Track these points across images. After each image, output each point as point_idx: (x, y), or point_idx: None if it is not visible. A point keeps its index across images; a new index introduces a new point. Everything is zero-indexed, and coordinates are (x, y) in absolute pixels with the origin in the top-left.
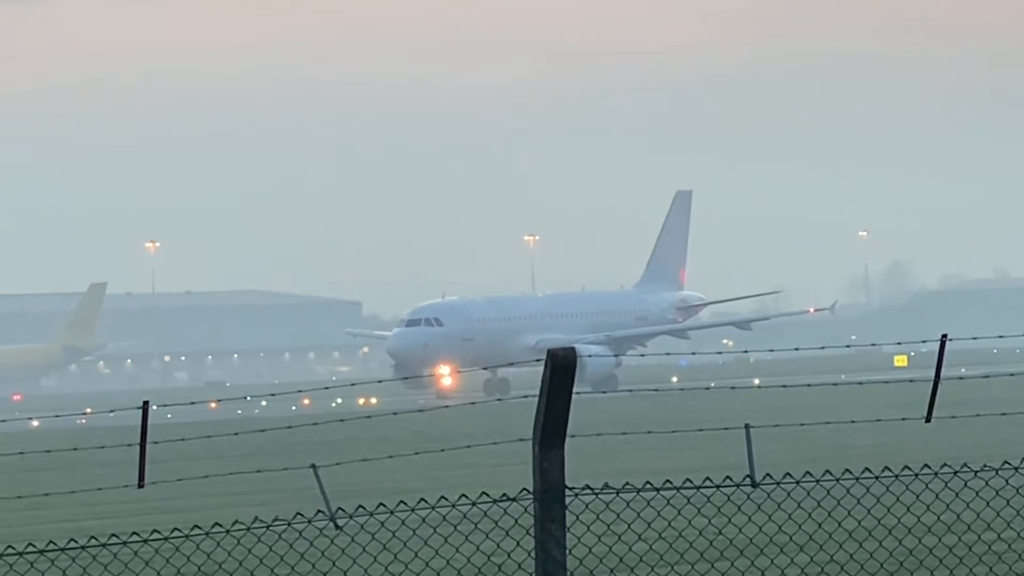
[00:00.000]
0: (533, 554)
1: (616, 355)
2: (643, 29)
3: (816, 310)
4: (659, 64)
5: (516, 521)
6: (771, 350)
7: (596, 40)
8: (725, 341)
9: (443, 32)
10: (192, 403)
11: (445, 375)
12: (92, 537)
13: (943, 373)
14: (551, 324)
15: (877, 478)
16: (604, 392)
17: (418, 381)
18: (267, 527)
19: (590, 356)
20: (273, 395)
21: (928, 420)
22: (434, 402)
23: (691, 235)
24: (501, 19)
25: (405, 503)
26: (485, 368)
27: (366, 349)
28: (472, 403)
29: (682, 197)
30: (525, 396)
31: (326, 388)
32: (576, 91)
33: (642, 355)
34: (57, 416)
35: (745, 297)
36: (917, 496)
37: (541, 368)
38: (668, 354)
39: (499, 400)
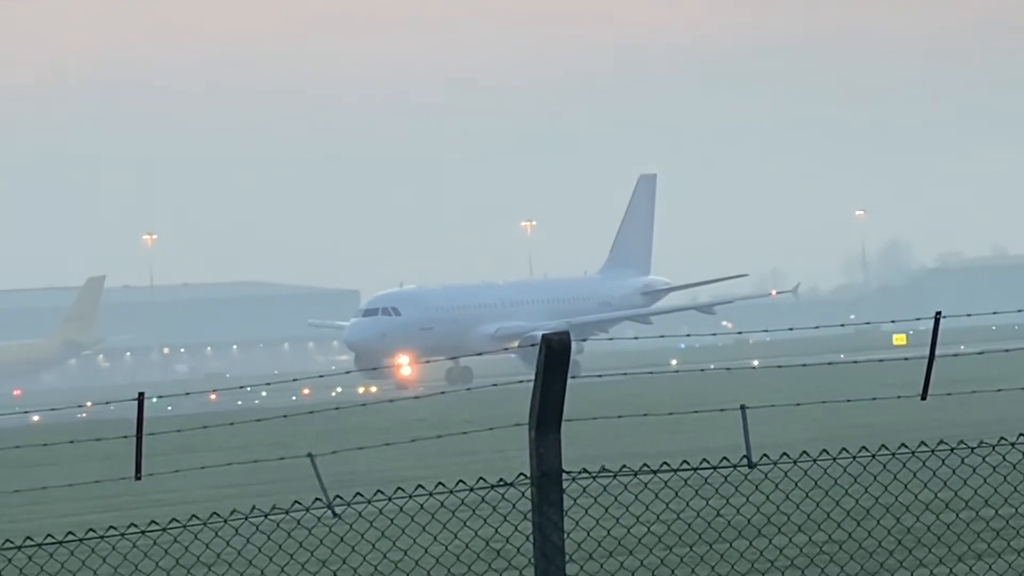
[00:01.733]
0: (531, 539)
1: (576, 341)
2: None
3: (778, 292)
4: (648, 45)
5: (514, 506)
6: (766, 331)
7: (617, 23)
8: (725, 323)
9: (428, 21)
10: (188, 394)
11: (405, 365)
12: (90, 530)
13: (939, 351)
14: (512, 312)
15: (874, 456)
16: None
17: (378, 372)
18: (265, 516)
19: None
20: (269, 384)
21: (924, 398)
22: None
23: (686, 219)
24: (479, 5)
25: (403, 490)
26: (452, 359)
27: None
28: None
29: (646, 181)
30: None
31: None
32: (580, 75)
33: (636, 338)
34: (55, 410)
35: (711, 281)
36: (914, 474)
37: (502, 356)
38: (663, 336)
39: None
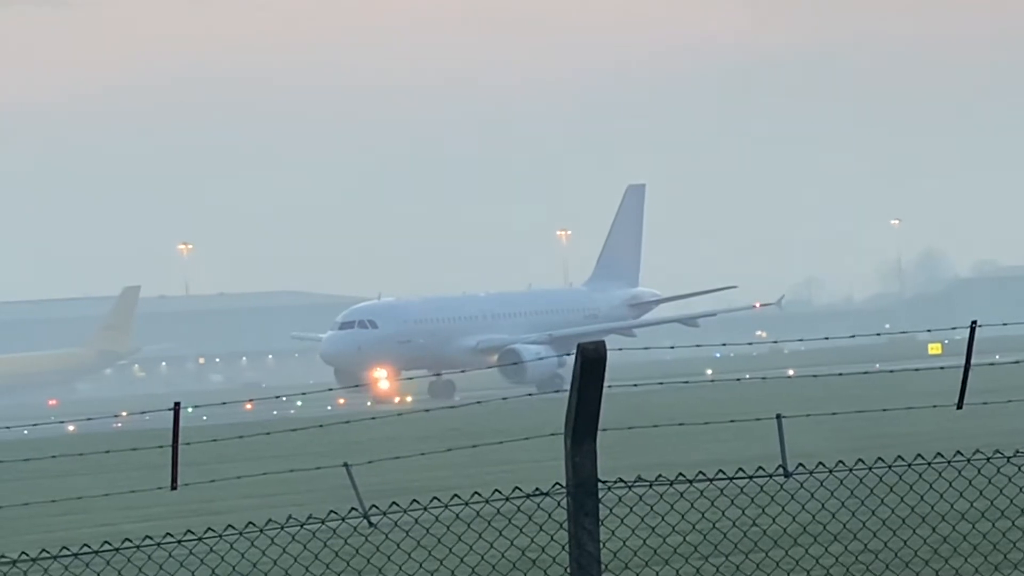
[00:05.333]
0: (567, 548)
1: (560, 355)
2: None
3: (762, 305)
4: (688, 49)
5: (549, 516)
6: (801, 340)
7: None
8: (759, 332)
9: (445, 29)
10: (224, 404)
11: (382, 379)
12: (126, 539)
13: (975, 360)
14: (493, 324)
15: (910, 466)
16: (553, 391)
17: (357, 386)
18: (301, 526)
19: (540, 357)
20: (304, 394)
21: (960, 407)
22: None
23: (722, 228)
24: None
25: (438, 499)
26: (435, 374)
27: None
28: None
29: (634, 191)
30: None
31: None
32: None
33: (672, 347)
34: (91, 420)
35: (701, 293)
36: (950, 483)
37: (485, 371)
38: (698, 346)
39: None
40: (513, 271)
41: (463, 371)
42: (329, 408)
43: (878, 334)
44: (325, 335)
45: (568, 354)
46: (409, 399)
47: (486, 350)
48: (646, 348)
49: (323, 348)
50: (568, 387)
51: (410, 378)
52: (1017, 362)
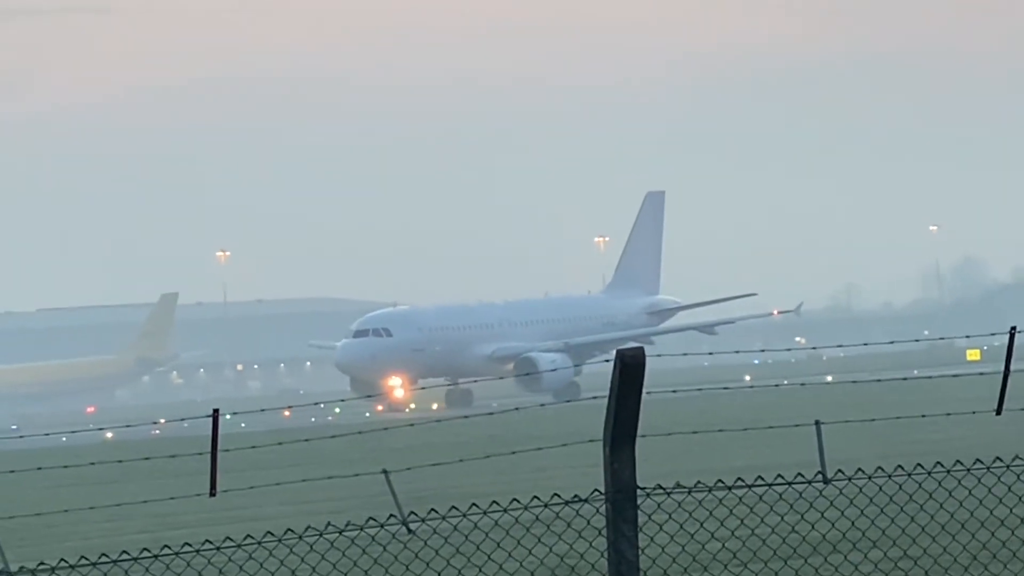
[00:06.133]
0: (606, 555)
1: (577, 363)
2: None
3: (779, 312)
4: (719, 55)
5: (588, 522)
6: (840, 346)
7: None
8: (798, 339)
9: (482, 31)
10: (262, 410)
11: (397, 387)
12: (165, 546)
13: (1015, 366)
14: (510, 332)
15: (949, 472)
16: (567, 400)
17: (372, 394)
18: (340, 532)
19: (552, 367)
20: (343, 400)
21: (999, 413)
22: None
23: (761, 234)
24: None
25: (477, 506)
26: (457, 382)
27: None
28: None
29: (653, 198)
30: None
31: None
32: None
33: (711, 353)
34: (129, 427)
35: (719, 301)
36: (989, 489)
37: (501, 379)
38: (737, 352)
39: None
40: (550, 278)
41: (474, 381)
42: (368, 415)
43: (917, 340)
44: (340, 343)
45: (581, 364)
46: (435, 406)
47: (502, 358)
48: (684, 354)
49: (337, 356)
50: (584, 395)
51: (422, 388)
52: None
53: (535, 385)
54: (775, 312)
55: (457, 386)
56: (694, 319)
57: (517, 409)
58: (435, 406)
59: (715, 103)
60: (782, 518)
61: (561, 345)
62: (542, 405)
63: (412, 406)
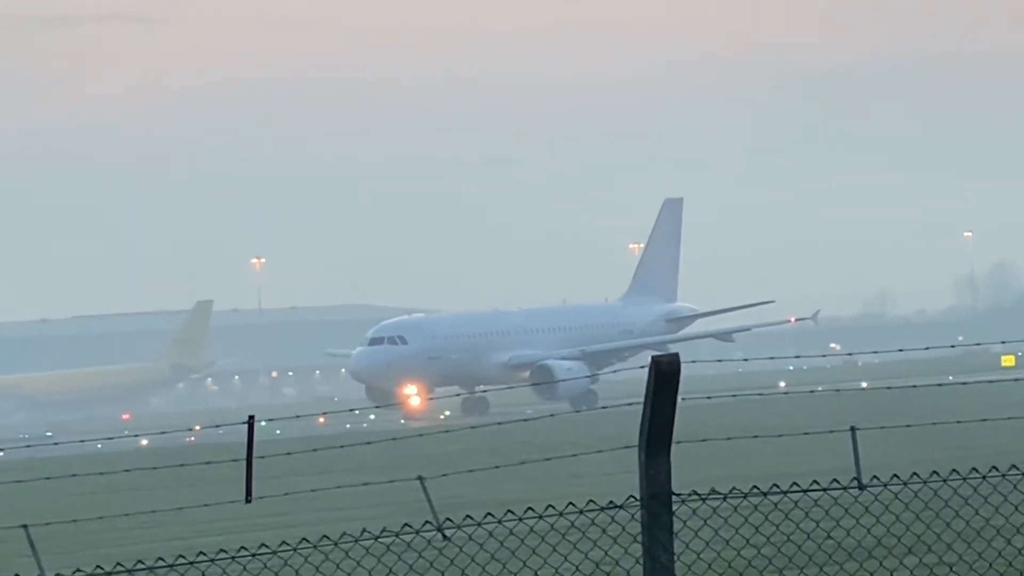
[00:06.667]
0: (641, 561)
1: (593, 371)
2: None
3: (797, 320)
4: (743, 61)
5: (624, 528)
6: (875, 352)
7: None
8: (832, 345)
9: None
10: (297, 417)
11: (413, 395)
12: (200, 553)
13: None
14: (526, 340)
15: (984, 478)
16: (581, 409)
17: (388, 402)
18: (375, 539)
19: (568, 375)
20: (377, 407)
21: None
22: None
23: (792, 241)
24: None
25: (512, 512)
26: (473, 391)
27: None
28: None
29: (671, 205)
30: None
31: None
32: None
33: (746, 359)
34: (164, 434)
35: (737, 308)
36: None
37: (517, 387)
38: (772, 358)
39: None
40: (585, 284)
41: (484, 390)
42: (403, 422)
43: (951, 346)
44: (354, 351)
45: (598, 371)
46: (444, 415)
47: (518, 366)
48: (719, 360)
49: (352, 365)
50: (601, 403)
51: (432, 398)
52: None
53: (551, 393)
54: (792, 320)
55: (473, 394)
56: (714, 326)
57: (552, 416)
58: (445, 414)
59: (740, 108)
60: (818, 524)
61: (577, 353)
62: (578, 411)
63: (444, 414)
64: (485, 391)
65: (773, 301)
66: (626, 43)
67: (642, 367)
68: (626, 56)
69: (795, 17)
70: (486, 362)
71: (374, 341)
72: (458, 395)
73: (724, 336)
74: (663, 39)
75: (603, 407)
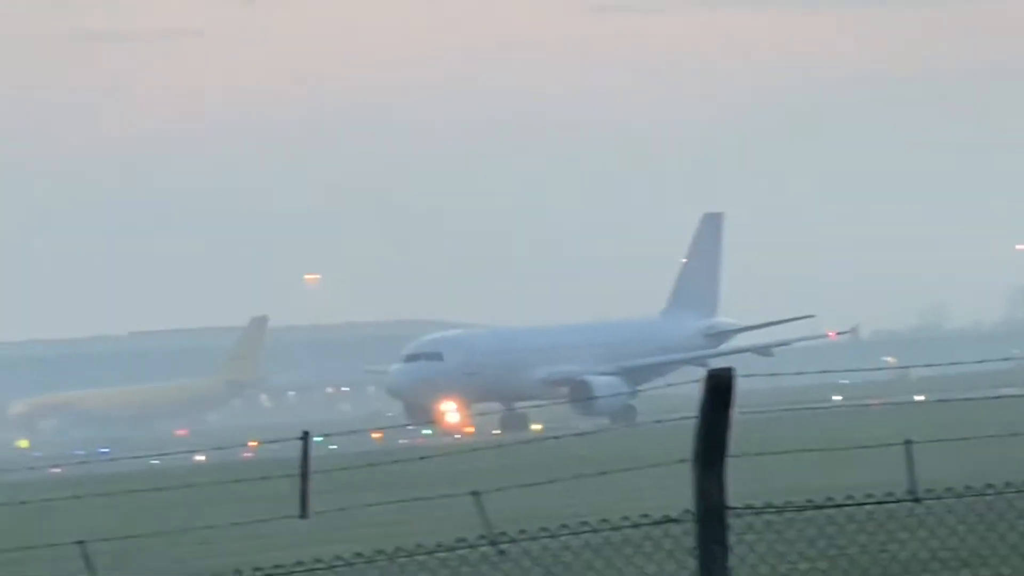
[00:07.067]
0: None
1: (632, 386)
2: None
3: (838, 334)
4: (786, 71)
5: (678, 542)
6: (930, 365)
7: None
8: (887, 358)
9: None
10: (352, 433)
11: (450, 412)
12: (257, 569)
13: None
14: (563, 356)
15: None
16: (623, 425)
17: (425, 419)
18: (430, 554)
19: (607, 390)
20: (431, 422)
21: None
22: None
23: (846, 255)
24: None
25: (567, 527)
26: (509, 408)
27: None
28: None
29: (711, 219)
30: (658, 421)
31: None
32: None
33: (800, 373)
34: (220, 449)
35: (779, 322)
36: None
37: (556, 403)
38: (825, 372)
39: (579, 435)
40: (624, 299)
41: (511, 408)
42: (458, 436)
43: (1007, 359)
44: (391, 368)
45: (636, 387)
46: (462, 432)
47: (556, 382)
48: (772, 374)
49: (389, 381)
50: (640, 419)
51: (472, 415)
52: None
53: (589, 409)
54: (831, 334)
55: (512, 410)
56: (757, 340)
57: (610, 430)
58: (465, 431)
59: (787, 121)
60: (872, 537)
61: (616, 368)
62: (619, 427)
63: (497, 430)
64: (524, 408)
65: (813, 316)
66: (664, 56)
67: (686, 382)
68: (667, 69)
69: (839, 26)
70: (524, 378)
71: (410, 358)
72: (498, 411)
73: (763, 350)
74: (704, 52)
75: (657, 421)
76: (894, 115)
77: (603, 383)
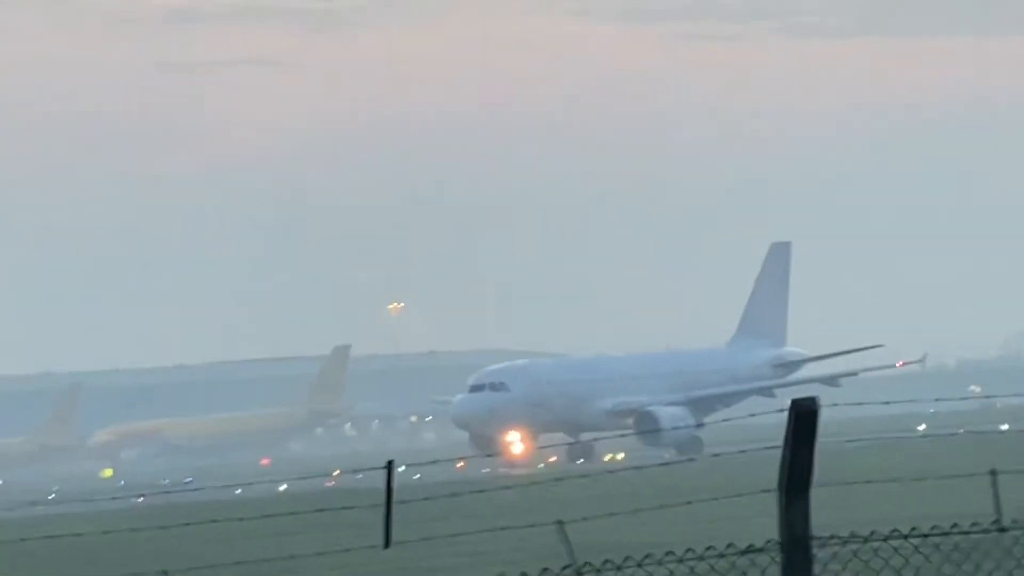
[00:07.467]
0: None
1: (699, 417)
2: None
3: (904, 363)
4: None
5: (763, 572)
6: (1016, 395)
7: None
8: (972, 388)
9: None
10: (435, 462)
11: (514, 442)
12: None
13: None
14: (630, 386)
15: None
16: (690, 458)
17: (491, 450)
18: None
19: (672, 422)
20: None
21: None
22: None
23: (919, 278)
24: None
25: (651, 557)
26: (574, 439)
27: None
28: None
29: (778, 249)
30: (744, 450)
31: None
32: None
33: (887, 403)
34: (304, 479)
35: (846, 352)
36: None
37: (622, 434)
38: (911, 401)
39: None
40: (691, 329)
41: (576, 439)
42: (541, 466)
43: None
44: (456, 398)
45: (703, 418)
46: (621, 456)
47: (622, 413)
48: (860, 404)
49: (454, 411)
50: (705, 450)
51: (538, 446)
52: None
53: (656, 440)
54: (899, 364)
55: (578, 442)
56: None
57: (692, 460)
58: (579, 461)
59: (864, 150)
60: (959, 567)
61: (683, 399)
62: (686, 459)
63: (579, 461)
64: (591, 440)
65: (882, 345)
66: (740, 83)
67: (740, 417)
68: (736, 99)
69: (907, 54)
70: (589, 409)
71: (475, 388)
72: (563, 442)
73: (831, 381)
74: (780, 79)
75: (741, 451)
76: (970, 143)
77: (668, 414)
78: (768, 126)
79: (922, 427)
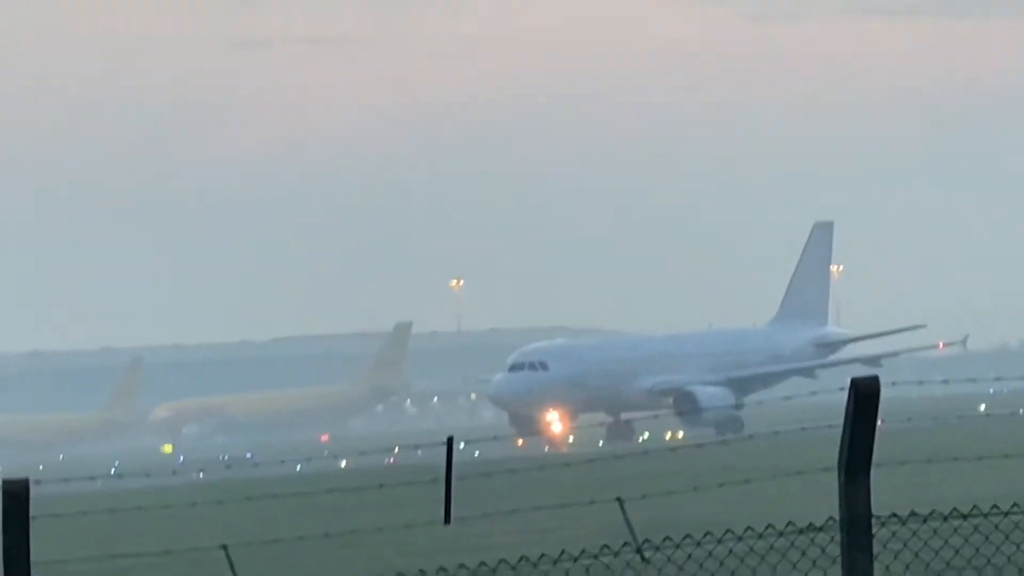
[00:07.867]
0: None
1: (739, 397)
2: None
3: (946, 345)
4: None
5: (823, 551)
6: None
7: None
8: None
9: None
10: (495, 438)
11: (554, 421)
12: (400, 574)
13: None
14: (670, 365)
15: None
16: (729, 436)
17: (531, 429)
18: (574, 560)
19: (712, 402)
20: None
21: None
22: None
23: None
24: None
25: (711, 535)
26: (615, 418)
27: None
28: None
29: (821, 229)
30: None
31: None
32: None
33: (947, 381)
34: (364, 455)
35: (889, 332)
36: None
37: (663, 412)
38: (973, 380)
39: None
40: (733, 308)
41: (617, 418)
42: (601, 444)
43: None
44: (495, 377)
45: (743, 398)
46: (646, 435)
47: (662, 392)
48: (920, 383)
49: (493, 391)
50: (746, 430)
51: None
52: None
53: (696, 419)
54: (941, 345)
55: (618, 420)
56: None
57: (751, 437)
58: (644, 436)
59: (916, 129)
60: (1018, 547)
61: (723, 379)
62: (725, 438)
63: (643, 436)
64: (631, 417)
65: (924, 326)
66: (797, 63)
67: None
68: (776, 79)
69: (950, 34)
70: (629, 388)
71: (515, 367)
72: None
73: (872, 361)
74: (837, 59)
75: (802, 428)
76: (1019, 125)
77: (708, 394)
78: (816, 104)
79: (982, 407)
